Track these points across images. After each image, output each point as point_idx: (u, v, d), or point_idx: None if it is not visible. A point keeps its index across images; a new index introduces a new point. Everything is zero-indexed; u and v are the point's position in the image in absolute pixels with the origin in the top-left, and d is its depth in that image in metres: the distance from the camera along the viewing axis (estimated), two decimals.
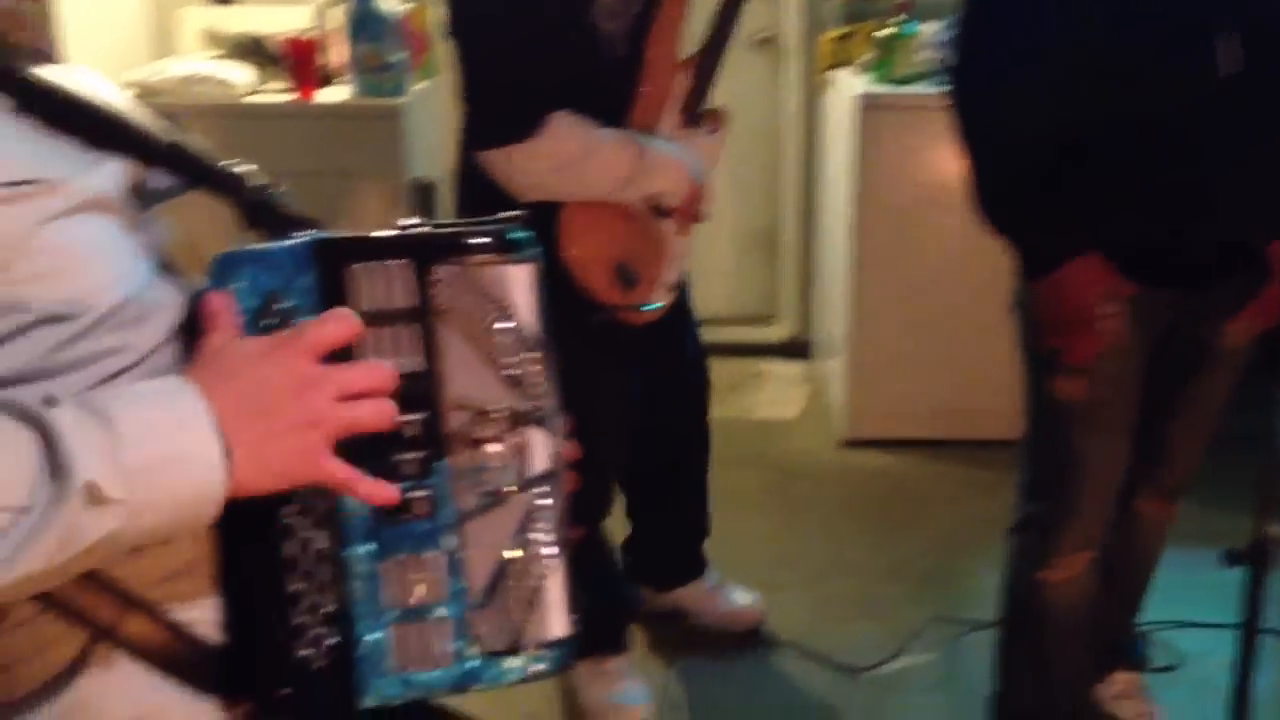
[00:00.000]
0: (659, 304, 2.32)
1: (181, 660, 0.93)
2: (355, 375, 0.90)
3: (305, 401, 0.87)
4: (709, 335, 2.85)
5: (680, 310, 2.57)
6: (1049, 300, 1.96)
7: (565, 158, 2.11)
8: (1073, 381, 2.01)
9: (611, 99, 2.20)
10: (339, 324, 0.90)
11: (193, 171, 1.04)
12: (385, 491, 0.90)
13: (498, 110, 2.11)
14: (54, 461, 0.78)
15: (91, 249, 0.91)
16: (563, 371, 2.35)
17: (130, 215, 0.97)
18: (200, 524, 0.85)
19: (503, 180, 2.13)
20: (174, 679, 0.93)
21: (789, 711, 2.53)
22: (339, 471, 0.88)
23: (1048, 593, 2.15)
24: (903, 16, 3.57)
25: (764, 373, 4.21)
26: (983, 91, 1.93)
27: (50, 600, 0.88)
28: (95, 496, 0.78)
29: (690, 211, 2.31)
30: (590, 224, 2.20)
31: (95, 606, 0.89)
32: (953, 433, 3.63)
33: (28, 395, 0.83)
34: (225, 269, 0.94)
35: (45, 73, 0.95)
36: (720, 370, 4.09)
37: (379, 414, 0.89)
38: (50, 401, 0.81)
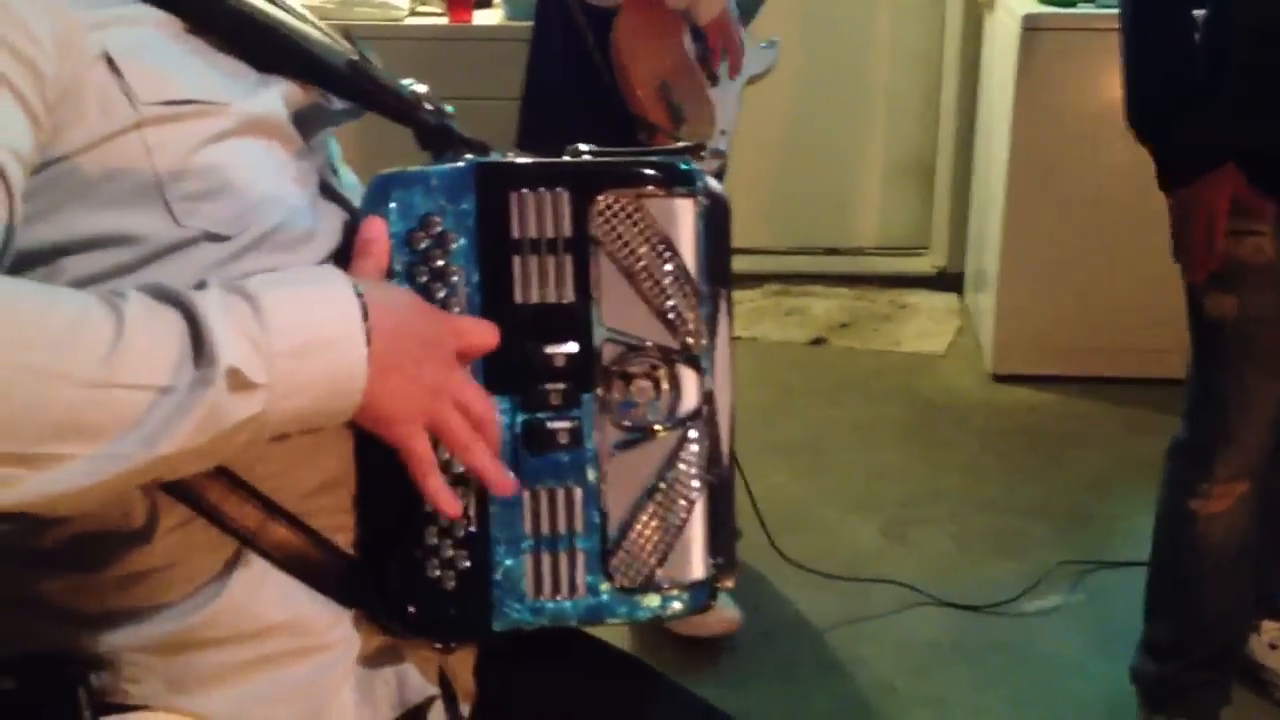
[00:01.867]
0: (704, 155, 2.35)
1: (322, 571, 0.94)
2: (476, 397, 0.90)
3: (436, 374, 0.88)
4: (858, 265, 2.82)
5: None
6: (1178, 212, 1.95)
7: None
8: (1222, 299, 1.97)
9: None
10: (486, 333, 0.91)
11: (368, 95, 1.03)
12: (449, 500, 0.89)
13: None
14: (198, 343, 0.77)
15: (251, 171, 0.91)
16: None
17: (296, 138, 0.98)
18: (340, 414, 0.85)
19: None
20: (315, 588, 0.94)
21: (923, 648, 2.53)
22: (423, 452, 0.88)
23: (1200, 524, 2.09)
24: None
25: (913, 304, 4.14)
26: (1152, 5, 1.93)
27: (200, 507, 0.90)
28: (238, 379, 0.78)
29: (719, 33, 2.42)
30: (642, 40, 2.35)
31: (242, 514, 0.90)
32: (1106, 370, 3.54)
33: None
34: (382, 191, 0.95)
35: None
36: (870, 301, 4.07)
37: (474, 448, 0.89)
38: (199, 285, 0.81)
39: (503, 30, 3.44)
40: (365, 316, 0.84)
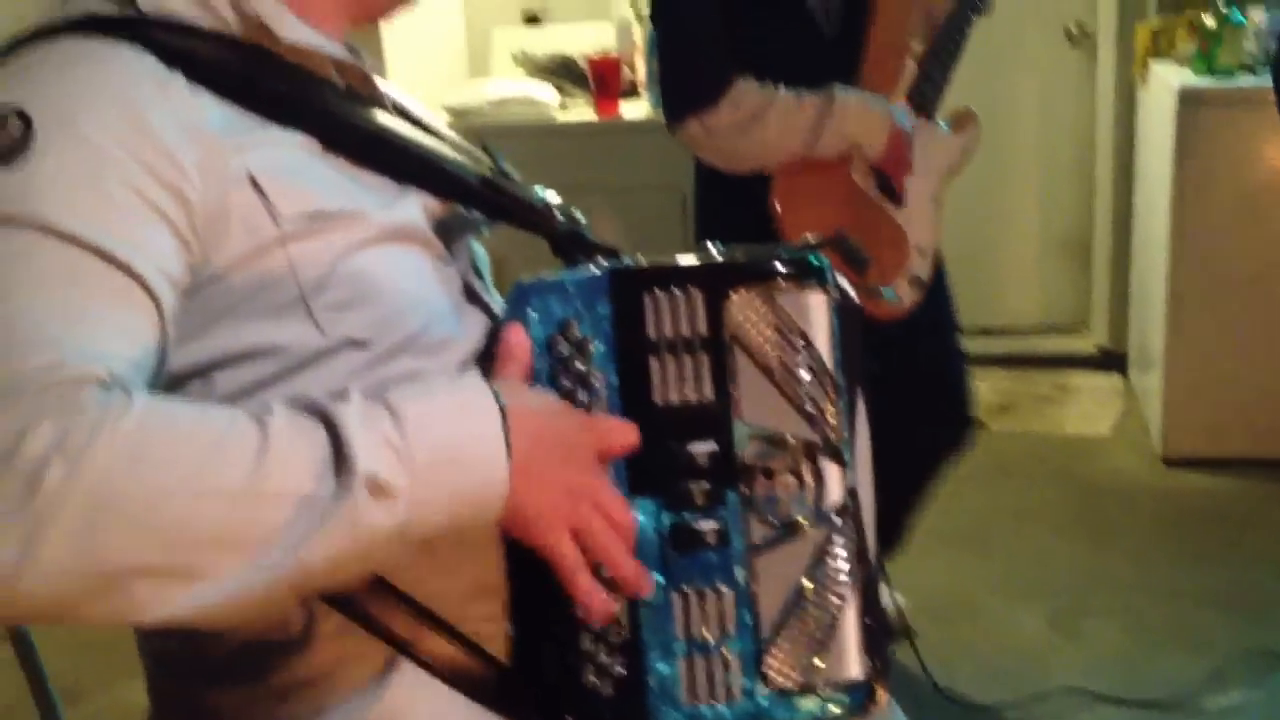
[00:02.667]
0: (898, 296, 2.24)
1: (477, 679, 0.94)
2: (615, 501, 0.90)
3: (578, 478, 0.88)
4: (1016, 346, 2.74)
5: (935, 318, 2.44)
6: None
7: (747, 114, 2.14)
8: None
9: (819, 79, 2.18)
10: (626, 433, 0.92)
11: (501, 206, 1.06)
12: (601, 601, 0.89)
13: (684, 80, 2.18)
14: (339, 453, 0.78)
15: (392, 278, 0.94)
16: None
17: (436, 245, 1.01)
18: (483, 521, 0.85)
19: (700, 153, 2.21)
20: (469, 697, 0.95)
21: None
22: (572, 555, 0.88)
23: None
24: (1227, 4, 3.35)
25: (1073, 385, 4.02)
26: None
27: (354, 614, 0.91)
28: (379, 488, 0.78)
29: (894, 160, 2.24)
30: (804, 192, 2.20)
31: (396, 621, 0.92)
32: None
33: None
34: (522, 298, 0.96)
35: (358, 109, 0.99)
36: (1027, 382, 3.97)
37: (618, 556, 0.89)
38: (341, 395, 0.82)
39: (649, 122, 3.49)
40: (506, 423, 0.85)
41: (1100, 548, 3.10)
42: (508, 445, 0.84)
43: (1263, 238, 3.23)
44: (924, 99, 2.29)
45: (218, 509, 0.75)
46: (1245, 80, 3.29)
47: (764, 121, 2.14)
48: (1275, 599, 2.83)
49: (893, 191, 2.27)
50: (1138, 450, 3.58)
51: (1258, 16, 3.32)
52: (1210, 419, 3.43)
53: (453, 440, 0.83)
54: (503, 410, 0.85)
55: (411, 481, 0.80)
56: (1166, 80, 3.43)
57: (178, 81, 0.88)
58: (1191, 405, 3.43)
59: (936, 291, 2.41)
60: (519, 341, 0.94)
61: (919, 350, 2.42)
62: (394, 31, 3.15)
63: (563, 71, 3.65)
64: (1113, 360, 4.10)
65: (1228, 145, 3.25)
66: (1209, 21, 3.39)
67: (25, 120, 0.82)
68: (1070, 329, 4.29)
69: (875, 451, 2.33)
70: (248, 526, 0.76)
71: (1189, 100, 3.28)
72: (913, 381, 2.43)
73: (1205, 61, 3.38)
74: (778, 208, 2.19)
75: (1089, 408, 3.86)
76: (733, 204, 2.26)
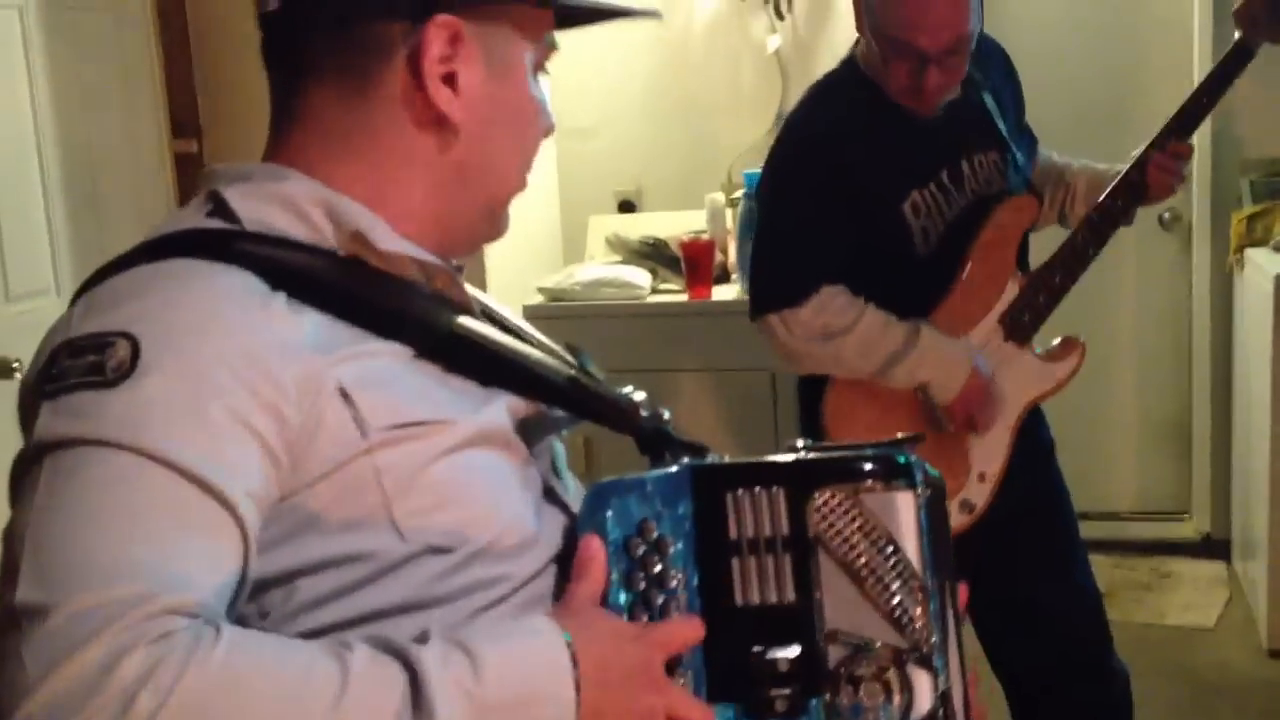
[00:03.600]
0: (961, 498, 2.19)
1: None
2: (688, 706, 0.91)
3: (643, 697, 0.89)
4: (1115, 531, 2.67)
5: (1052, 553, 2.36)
6: None
7: (831, 324, 2.15)
8: None
9: (918, 292, 2.19)
10: (689, 630, 0.93)
11: (587, 405, 1.07)
12: None
13: (776, 275, 2.20)
14: (417, 697, 0.79)
15: (476, 483, 0.95)
16: None
17: (519, 447, 1.02)
18: None
19: (775, 349, 2.22)
20: None
21: None
22: None
23: None
24: None
25: (1176, 573, 3.90)
26: None
27: None
28: None
29: (964, 413, 2.19)
30: (855, 404, 2.19)
31: None
32: None
33: (409, 625, 0.87)
34: (599, 500, 0.97)
35: (447, 315, 1.01)
36: (1128, 570, 3.86)
37: None
38: (421, 638, 0.84)
39: (739, 304, 3.52)
40: (575, 666, 0.86)
41: None
42: (576, 686, 0.85)
43: None
44: (1020, 326, 2.26)
45: None
46: None
47: (844, 338, 2.15)
48: None
49: (933, 406, 2.21)
50: (1244, 641, 3.44)
51: None
52: None
53: (524, 686, 0.84)
54: (572, 653, 0.86)
55: None
56: (1262, 266, 3.41)
57: (280, 300, 0.91)
58: None
59: (1060, 521, 2.35)
60: (593, 557, 0.95)
61: (1039, 598, 2.31)
62: None
63: (655, 255, 3.73)
64: (1216, 547, 3.98)
65: None
66: None
67: (133, 343, 0.85)
68: (1171, 515, 4.19)
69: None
70: None
71: None
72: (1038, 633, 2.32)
73: None
74: (827, 413, 2.20)
75: (1192, 597, 3.74)
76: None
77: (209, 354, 0.86)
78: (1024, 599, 2.30)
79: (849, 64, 2.26)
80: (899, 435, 1.02)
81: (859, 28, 2.18)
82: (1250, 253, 3.59)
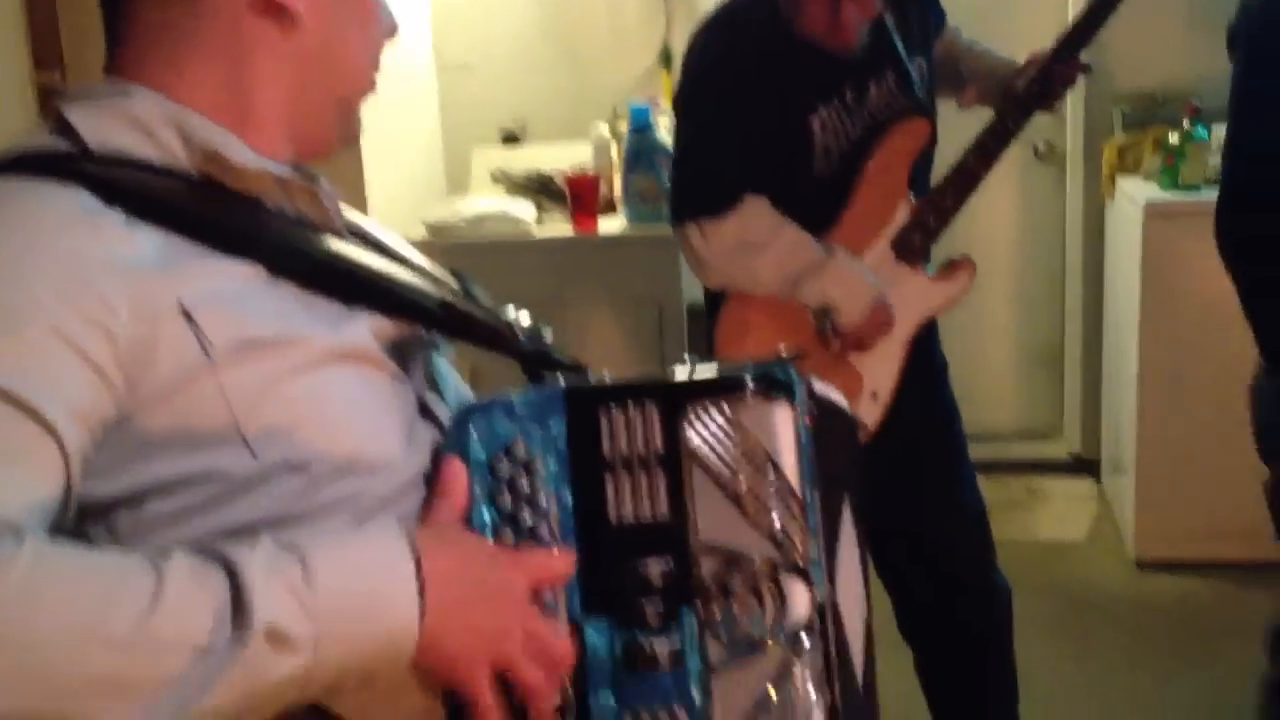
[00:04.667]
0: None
1: None
2: (548, 634, 0.92)
3: (500, 618, 0.89)
4: (989, 451, 2.74)
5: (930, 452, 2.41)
6: None
7: (749, 238, 2.16)
8: None
9: (812, 211, 2.21)
10: (559, 564, 0.93)
11: (458, 327, 1.07)
12: None
13: (698, 184, 2.21)
14: (238, 602, 0.79)
15: (334, 400, 0.94)
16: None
17: (389, 364, 1.00)
18: (393, 668, 0.86)
19: (689, 257, 2.23)
20: None
21: None
22: (484, 698, 0.89)
23: None
24: (1191, 122, 3.44)
25: (1047, 491, 4.05)
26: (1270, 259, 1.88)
27: None
28: (278, 638, 0.79)
29: (861, 336, 2.22)
30: (757, 316, 2.22)
31: None
32: (1258, 554, 3.38)
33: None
34: (465, 419, 0.97)
35: (304, 234, 0.99)
36: (1002, 488, 3.98)
37: (541, 690, 0.91)
38: (250, 542, 0.82)
39: (626, 238, 3.55)
40: (420, 574, 0.86)
41: (1080, 656, 3.10)
42: (421, 596, 0.85)
43: (1227, 344, 3.25)
44: (911, 247, 2.28)
45: (107, 658, 0.75)
46: (1209, 194, 3.34)
47: (761, 252, 2.16)
48: (1248, 708, 2.82)
49: (830, 326, 2.24)
50: (1112, 555, 3.59)
51: (1220, 132, 3.40)
52: (1181, 523, 3.46)
53: (361, 591, 0.84)
54: (418, 561, 0.86)
55: (315, 631, 0.81)
56: (1133, 195, 3.52)
57: (112, 217, 0.89)
58: (1164, 509, 3.47)
59: (949, 441, 2.40)
60: (454, 477, 0.95)
61: (927, 515, 2.37)
62: (373, 150, 3.21)
63: (541, 189, 3.72)
64: (1085, 466, 4.13)
65: (1193, 257, 3.31)
66: (1173, 138, 3.48)
67: None
68: (1044, 435, 4.33)
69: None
70: (140, 675, 0.76)
71: (1155, 214, 3.36)
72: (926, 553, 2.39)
73: (1170, 176, 3.47)
74: (722, 327, 2.22)
75: (1063, 513, 3.88)
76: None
77: (29, 272, 0.84)
78: (913, 516, 2.35)
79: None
80: (781, 351, 1.01)
81: None
82: (1121, 181, 3.70)
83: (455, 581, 0.88)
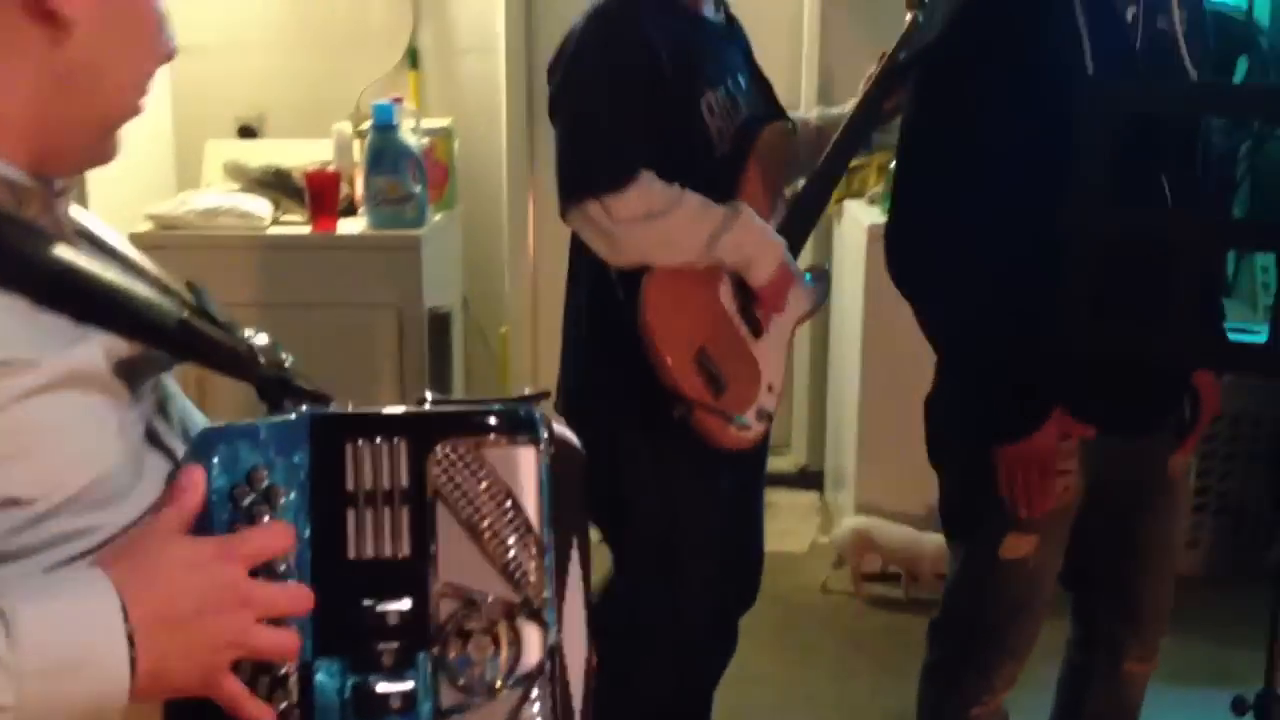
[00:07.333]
0: (749, 423, 2.24)
1: None
2: (278, 599, 0.90)
3: (225, 623, 0.87)
4: None
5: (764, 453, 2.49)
6: (1016, 465, 1.96)
7: (654, 206, 2.12)
8: (1021, 541, 2.02)
9: (704, 189, 2.20)
10: (277, 536, 0.90)
11: (197, 351, 1.01)
12: (264, 712, 0.90)
13: (593, 159, 2.14)
14: None
15: (61, 428, 0.89)
16: (640, 477, 2.17)
17: (119, 388, 0.95)
18: (114, 711, 0.84)
19: (592, 239, 2.16)
20: None
21: None
22: (232, 688, 0.88)
23: None
24: None
25: (774, 503, 4.17)
26: (931, 279, 2.02)
27: None
28: None
29: (778, 292, 2.26)
30: (675, 301, 2.17)
31: None
32: None
33: None
34: (205, 445, 0.93)
35: (32, 244, 0.93)
36: None
37: (284, 648, 0.90)
38: None
39: (367, 239, 3.48)
40: (126, 618, 0.83)
41: (802, 665, 3.21)
42: (130, 639, 0.83)
43: None
44: (789, 245, 2.30)
45: None
46: None
47: (670, 217, 2.13)
48: None
49: (756, 324, 2.28)
50: (833, 566, 3.74)
51: None
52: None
53: (66, 649, 0.81)
54: (123, 603, 0.83)
55: (19, 695, 0.78)
56: (858, 218, 3.68)
57: None
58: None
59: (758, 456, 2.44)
60: (192, 485, 0.91)
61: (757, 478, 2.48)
62: None
63: (278, 184, 3.59)
64: (811, 478, 4.29)
65: None
66: (894, 164, 3.64)
67: None
68: (773, 448, 4.46)
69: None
70: None
71: (877, 237, 3.48)
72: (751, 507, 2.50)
73: (892, 201, 3.63)
74: (647, 313, 2.14)
75: (789, 524, 4.02)
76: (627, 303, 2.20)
77: None
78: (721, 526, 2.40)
79: None
80: (526, 392, 1.02)
81: None
82: (847, 204, 3.86)
83: (168, 604, 0.85)
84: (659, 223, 2.13)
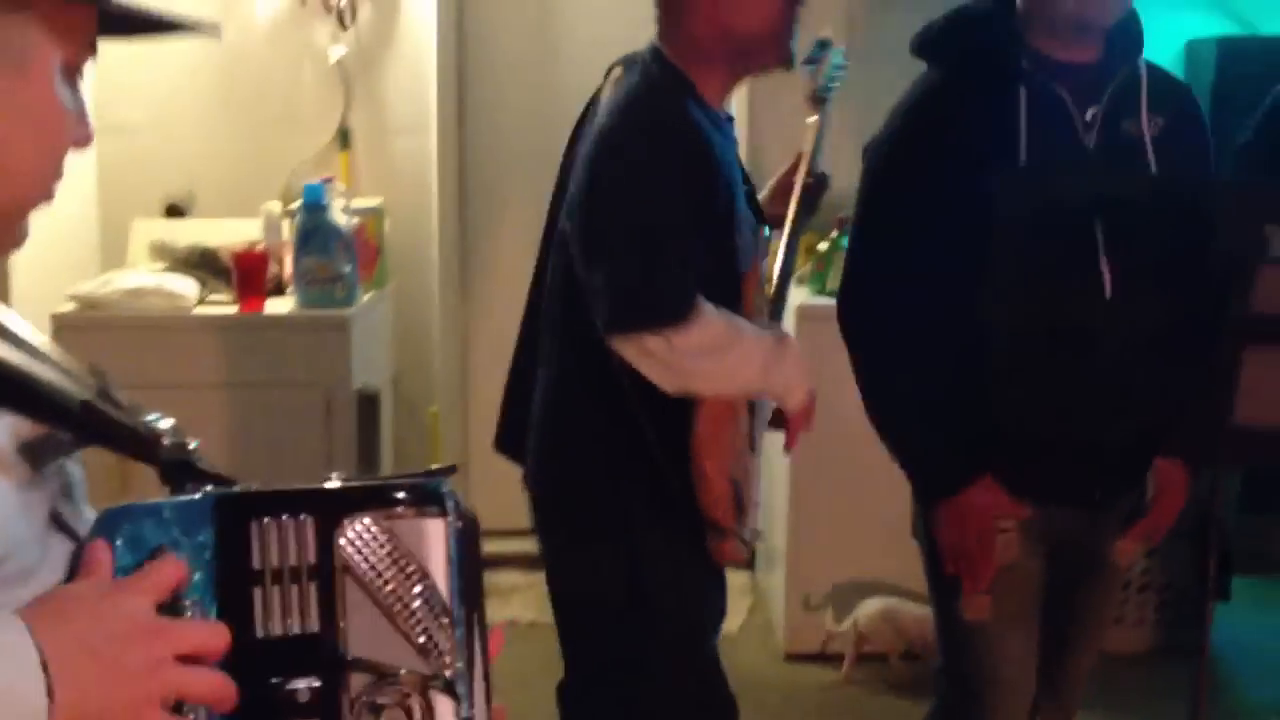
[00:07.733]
0: (751, 542, 2.19)
1: None
2: (191, 633, 0.89)
3: (141, 651, 0.86)
4: None
5: None
6: (949, 524, 2.05)
7: (717, 340, 2.00)
8: (977, 601, 2.07)
9: (723, 303, 2.07)
10: (173, 567, 0.89)
11: (100, 434, 1.01)
12: None
13: (654, 287, 1.96)
14: None
15: None
16: (658, 567, 2.14)
17: (19, 470, 0.94)
18: None
19: (648, 369, 1.98)
20: None
21: None
22: None
23: None
24: (840, 229, 3.68)
25: None
26: (871, 330, 2.14)
27: None
28: None
29: (809, 416, 2.22)
30: (718, 429, 2.05)
31: None
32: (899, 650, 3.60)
33: None
34: (109, 524, 0.92)
35: None
36: None
37: (211, 689, 0.88)
38: None
39: (295, 318, 3.46)
40: (38, 648, 0.82)
41: None
42: (49, 691, 0.81)
43: (878, 450, 3.43)
44: (776, 311, 2.30)
45: None
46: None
47: (732, 351, 2.02)
48: None
49: (754, 442, 2.19)
50: (763, 646, 3.74)
51: None
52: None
53: None
54: (35, 639, 0.82)
55: None
56: (788, 299, 3.70)
57: None
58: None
59: None
60: (99, 561, 0.90)
61: None
62: None
63: (205, 264, 3.56)
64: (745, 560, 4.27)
65: (841, 360, 3.49)
66: (822, 246, 3.71)
67: None
68: None
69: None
70: None
71: (805, 317, 3.55)
72: None
73: (819, 282, 3.69)
74: (700, 450, 2.03)
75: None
76: (614, 422, 2.09)
77: None
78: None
79: (663, 64, 2.06)
80: (432, 466, 1.02)
81: (696, 22, 2.04)
82: None
83: (78, 644, 0.83)
84: (721, 357, 2.02)
